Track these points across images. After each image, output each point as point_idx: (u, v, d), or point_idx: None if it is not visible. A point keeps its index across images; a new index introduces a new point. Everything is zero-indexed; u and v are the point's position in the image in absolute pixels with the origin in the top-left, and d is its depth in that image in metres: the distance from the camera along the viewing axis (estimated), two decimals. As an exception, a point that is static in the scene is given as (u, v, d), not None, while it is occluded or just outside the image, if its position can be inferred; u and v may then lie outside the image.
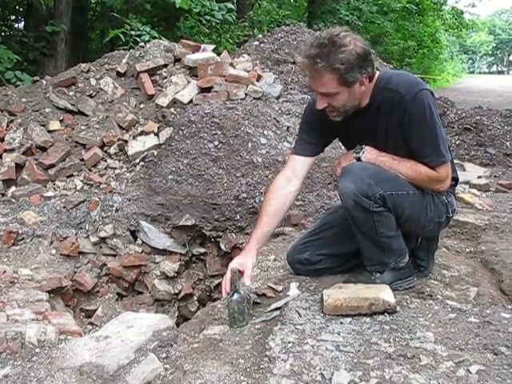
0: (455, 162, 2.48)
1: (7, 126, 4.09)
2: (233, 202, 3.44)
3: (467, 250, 2.74)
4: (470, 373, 1.59)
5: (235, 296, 1.96)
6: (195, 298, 3.51)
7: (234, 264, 2.02)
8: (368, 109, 2.12)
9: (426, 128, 2.04)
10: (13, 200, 3.64)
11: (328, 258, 2.37)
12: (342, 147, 3.87)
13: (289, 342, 1.77)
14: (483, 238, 2.81)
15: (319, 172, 3.53)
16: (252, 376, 1.64)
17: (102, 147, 4.04)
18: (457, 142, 4.93)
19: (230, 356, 1.77)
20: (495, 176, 4.20)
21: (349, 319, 1.93)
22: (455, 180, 2.30)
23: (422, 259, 2.37)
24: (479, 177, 4.11)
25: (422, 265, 2.37)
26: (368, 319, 1.93)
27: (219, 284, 3.46)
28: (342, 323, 1.91)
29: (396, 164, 2.11)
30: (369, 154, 2.15)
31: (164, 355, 1.88)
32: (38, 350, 1.93)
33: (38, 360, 1.87)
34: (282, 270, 2.55)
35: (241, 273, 2.00)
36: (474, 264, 2.55)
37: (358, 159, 2.16)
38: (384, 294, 1.99)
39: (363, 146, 2.17)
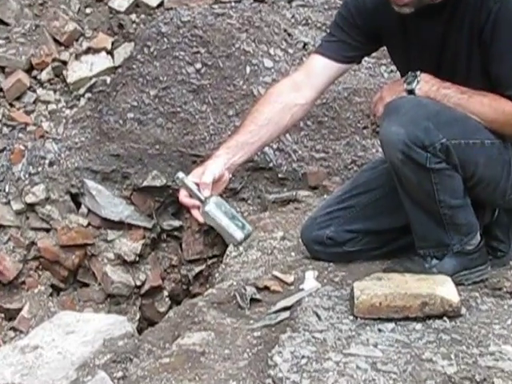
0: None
1: None
2: (222, 152, 3.41)
3: None
4: None
5: (209, 205, 1.98)
6: (166, 292, 3.54)
7: (182, 174, 2.05)
8: (442, 10, 2.10)
9: None
10: None
11: (361, 236, 2.39)
12: (385, 75, 3.86)
13: (302, 357, 1.77)
14: None
15: (350, 110, 3.51)
16: (249, 406, 1.65)
17: (29, 71, 3.98)
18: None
19: (216, 376, 1.77)
20: None
21: (391, 325, 1.93)
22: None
23: (500, 241, 2.37)
24: None
25: (499, 249, 2.36)
26: (419, 325, 1.93)
27: (200, 273, 3.47)
28: (380, 330, 1.91)
29: (466, 99, 2.10)
30: (426, 84, 2.14)
31: (120, 374, 1.89)
32: None
33: None
34: (293, 253, 2.57)
35: (196, 185, 2.03)
36: None
37: (411, 92, 2.15)
38: (443, 289, 1.98)
39: (418, 72, 2.16)
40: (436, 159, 2.04)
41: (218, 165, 2.07)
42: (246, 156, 2.20)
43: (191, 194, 2.01)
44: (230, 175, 2.16)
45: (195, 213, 2.02)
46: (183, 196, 2.03)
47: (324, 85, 2.33)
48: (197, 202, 2.00)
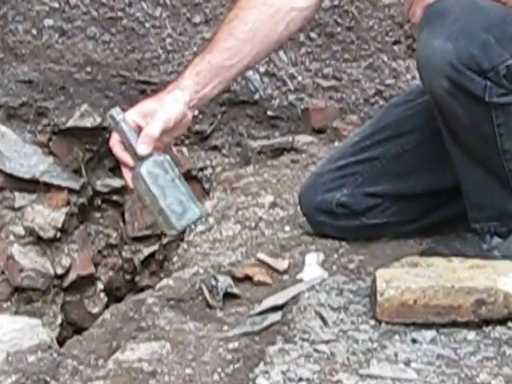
0: None
1: None
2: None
3: None
4: None
5: (141, 171, 1.96)
6: (100, 284, 3.57)
7: (119, 112, 2.00)
8: None
9: None
10: None
11: (389, 202, 2.42)
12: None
13: (300, 380, 1.76)
14: None
15: (374, 17, 3.52)
16: None
17: None
18: None
19: (172, 407, 1.77)
20: None
21: (431, 333, 1.94)
22: None
23: None
24: None
25: None
26: (472, 333, 1.94)
27: (152, 256, 3.48)
28: (415, 341, 1.91)
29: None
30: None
31: (31, 403, 1.89)
32: None
33: None
34: (288, 227, 2.59)
35: (139, 128, 1.99)
36: None
37: (461, -10, 2.17)
38: (508, 281, 1.98)
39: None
40: (499, 89, 2.03)
41: (178, 104, 2.03)
42: (222, 86, 2.18)
43: (125, 144, 1.98)
44: (196, 112, 2.13)
45: (125, 173, 2.00)
46: (116, 142, 1.99)
47: None
48: (129, 159, 1.98)
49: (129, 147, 1.96)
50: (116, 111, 1.98)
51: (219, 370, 1.88)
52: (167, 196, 1.96)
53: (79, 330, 2.84)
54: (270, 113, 3.35)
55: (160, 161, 1.97)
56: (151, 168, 1.95)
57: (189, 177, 3.37)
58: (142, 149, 1.94)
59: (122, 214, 3.58)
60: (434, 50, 2.03)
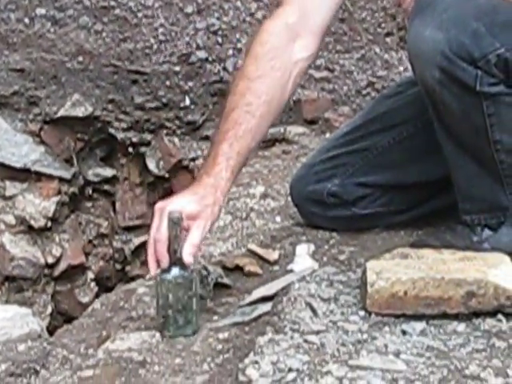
0: None
1: None
2: (176, 68, 3.45)
3: None
4: None
5: (173, 272, 1.96)
6: (91, 274, 3.56)
7: (173, 207, 1.97)
8: None
9: None
10: None
11: (379, 192, 2.42)
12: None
13: (290, 371, 1.75)
14: None
15: (366, 9, 3.51)
16: None
17: None
18: None
19: (161, 397, 1.77)
20: None
21: (421, 324, 1.93)
22: None
23: None
24: None
25: None
26: (462, 326, 1.93)
27: (142, 245, 3.46)
28: (404, 333, 1.91)
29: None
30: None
31: (21, 393, 1.88)
32: None
33: None
34: (278, 218, 2.59)
35: (185, 229, 1.97)
36: None
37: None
38: (498, 273, 1.98)
39: None
40: (490, 79, 2.03)
41: (219, 196, 2.04)
42: (247, 156, 2.16)
43: (171, 241, 1.94)
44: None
45: (152, 262, 1.96)
46: (164, 240, 1.93)
47: (329, 19, 2.29)
48: (165, 257, 1.95)
49: (172, 251, 1.94)
50: (180, 215, 1.94)
51: (209, 359, 1.88)
52: (179, 309, 1.97)
53: (69, 320, 2.82)
54: (261, 103, 3.35)
55: (190, 278, 1.97)
56: (180, 280, 1.96)
57: (180, 167, 3.39)
58: (189, 258, 1.94)
59: (113, 204, 3.57)
60: (424, 40, 2.04)
